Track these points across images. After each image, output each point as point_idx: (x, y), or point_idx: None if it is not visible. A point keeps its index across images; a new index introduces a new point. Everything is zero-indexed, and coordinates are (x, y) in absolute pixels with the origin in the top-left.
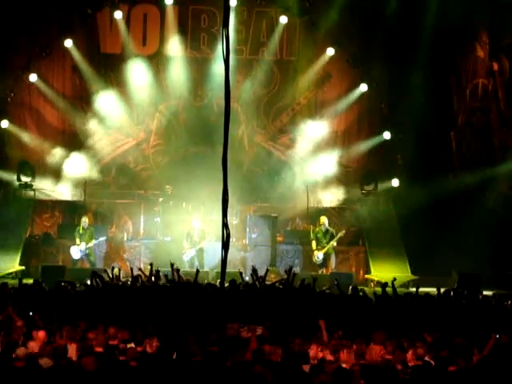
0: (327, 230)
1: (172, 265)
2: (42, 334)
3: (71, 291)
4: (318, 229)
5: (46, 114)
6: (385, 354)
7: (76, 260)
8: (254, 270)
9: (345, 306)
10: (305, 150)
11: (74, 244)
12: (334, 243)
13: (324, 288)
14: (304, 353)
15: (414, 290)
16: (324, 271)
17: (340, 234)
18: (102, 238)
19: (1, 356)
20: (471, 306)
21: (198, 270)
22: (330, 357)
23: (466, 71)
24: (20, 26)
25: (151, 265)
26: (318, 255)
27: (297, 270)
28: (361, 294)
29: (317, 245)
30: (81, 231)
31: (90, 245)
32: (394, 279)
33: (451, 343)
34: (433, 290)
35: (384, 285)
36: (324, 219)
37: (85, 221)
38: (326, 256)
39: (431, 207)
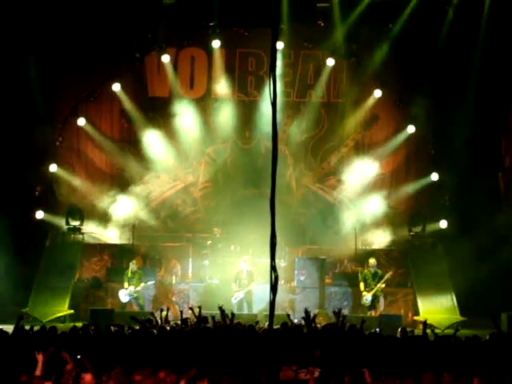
0: (376, 272)
1: (221, 308)
2: (89, 376)
3: (120, 335)
4: (366, 270)
5: (94, 158)
6: None
7: (124, 303)
8: (307, 313)
9: (393, 349)
10: (353, 191)
11: (123, 287)
12: (382, 285)
13: (373, 330)
14: None
15: (462, 331)
16: (373, 313)
17: (387, 276)
18: (151, 282)
19: None
20: None
21: (233, 315)
22: None
23: None
24: (68, 70)
25: (200, 308)
26: (367, 297)
27: (346, 312)
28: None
29: (365, 287)
30: (129, 275)
31: (139, 288)
32: (425, 322)
33: None
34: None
35: (424, 324)
36: (373, 261)
37: (133, 264)
38: (375, 298)
39: (480, 248)
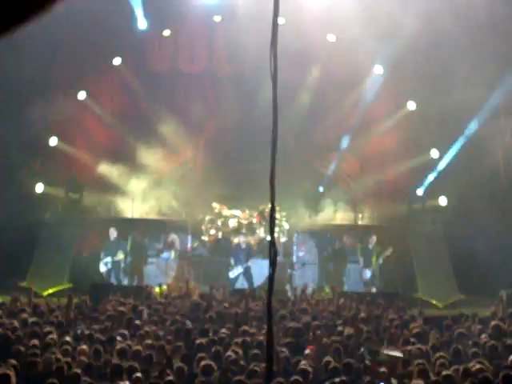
0: (374, 248)
1: (211, 287)
2: (85, 349)
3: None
4: (365, 247)
5: (94, 132)
6: None
7: (102, 273)
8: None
9: None
10: (353, 167)
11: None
12: (380, 260)
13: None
14: None
15: (462, 309)
16: (373, 289)
17: (387, 252)
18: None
19: None
20: None
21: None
22: None
23: None
24: (70, 44)
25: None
26: (366, 272)
27: (345, 288)
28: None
29: (364, 262)
30: (108, 244)
31: (117, 259)
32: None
33: None
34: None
35: None
36: (372, 237)
37: (112, 233)
38: (374, 273)
39: (480, 225)
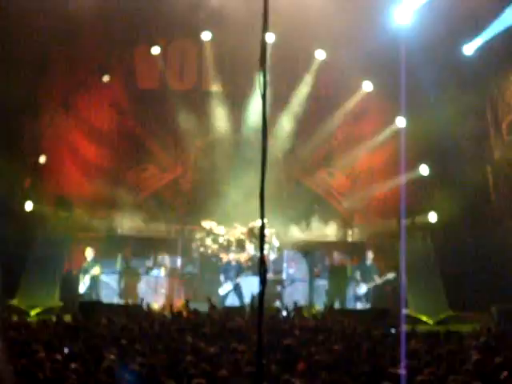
0: (372, 265)
1: (210, 300)
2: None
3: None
4: (362, 262)
5: (83, 150)
6: None
7: (81, 294)
8: (296, 305)
9: None
10: (342, 184)
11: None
12: (379, 280)
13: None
14: None
15: (454, 326)
16: (360, 306)
17: (389, 277)
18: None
19: None
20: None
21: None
22: None
23: (502, 105)
24: (58, 61)
25: (187, 301)
26: (362, 287)
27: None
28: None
29: (361, 278)
30: (86, 265)
31: (93, 273)
32: None
33: None
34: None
35: None
36: (369, 253)
37: (89, 253)
38: (369, 290)
39: (469, 242)
